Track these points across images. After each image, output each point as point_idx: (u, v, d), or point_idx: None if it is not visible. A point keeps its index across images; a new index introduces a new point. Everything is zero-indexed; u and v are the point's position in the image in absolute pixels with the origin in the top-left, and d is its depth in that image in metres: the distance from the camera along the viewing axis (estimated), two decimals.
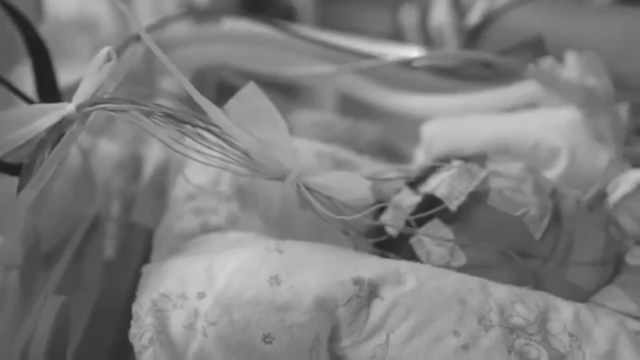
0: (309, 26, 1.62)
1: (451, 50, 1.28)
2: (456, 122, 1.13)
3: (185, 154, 0.79)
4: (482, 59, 1.16)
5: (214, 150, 0.80)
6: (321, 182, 0.81)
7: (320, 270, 0.76)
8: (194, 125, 0.79)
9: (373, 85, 1.23)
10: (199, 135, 0.79)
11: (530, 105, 1.17)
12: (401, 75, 1.25)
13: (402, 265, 0.78)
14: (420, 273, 0.77)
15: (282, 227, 0.95)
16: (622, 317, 0.81)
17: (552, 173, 1.03)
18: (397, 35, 1.75)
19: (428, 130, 1.13)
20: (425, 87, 1.24)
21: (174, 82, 1.41)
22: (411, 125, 1.21)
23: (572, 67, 1.07)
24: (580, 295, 0.87)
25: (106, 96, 0.80)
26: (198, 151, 0.80)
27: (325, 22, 1.98)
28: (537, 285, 0.86)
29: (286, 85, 1.40)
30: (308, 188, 0.81)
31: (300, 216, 0.90)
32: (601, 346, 0.76)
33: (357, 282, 0.75)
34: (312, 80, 1.31)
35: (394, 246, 0.88)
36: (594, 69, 1.07)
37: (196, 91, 0.76)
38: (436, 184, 0.89)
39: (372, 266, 0.77)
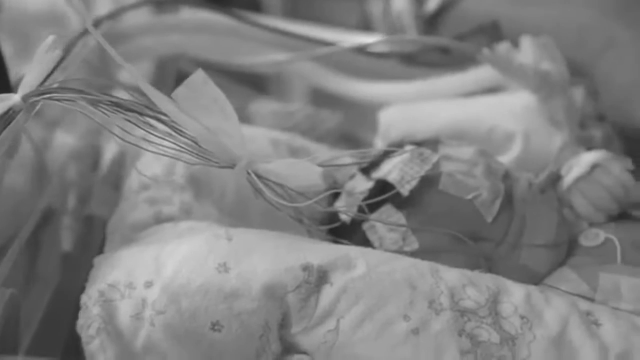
0: (275, 17, 1.61)
1: (407, 36, 1.27)
2: (413, 108, 1.13)
3: (135, 144, 0.78)
4: (438, 45, 1.16)
5: (164, 139, 0.79)
6: (271, 169, 0.81)
7: (268, 257, 0.75)
8: (143, 114, 0.78)
9: (332, 73, 1.23)
10: (148, 124, 0.79)
11: (493, 90, 1.18)
12: (360, 63, 1.25)
13: (353, 250, 0.78)
14: (371, 258, 0.77)
15: (237, 215, 0.95)
16: (573, 299, 0.81)
17: (508, 157, 1.03)
18: (366, 26, 1.75)
19: (385, 117, 1.13)
20: (384, 74, 1.24)
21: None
22: (373, 113, 1.21)
23: (527, 52, 1.07)
24: (533, 277, 0.88)
25: (55, 86, 0.80)
26: (149, 141, 0.79)
27: (294, 14, 1.97)
28: (490, 269, 0.86)
29: (259, 76, 1.39)
30: (258, 175, 0.80)
31: (256, 204, 0.89)
32: (552, 327, 0.76)
33: (306, 268, 0.75)
34: (275, 70, 1.31)
35: (347, 232, 0.88)
36: (549, 53, 1.07)
37: (142, 79, 0.76)
38: (388, 169, 0.89)
39: (321, 252, 0.77)
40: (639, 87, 1.06)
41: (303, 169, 0.82)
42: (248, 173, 0.80)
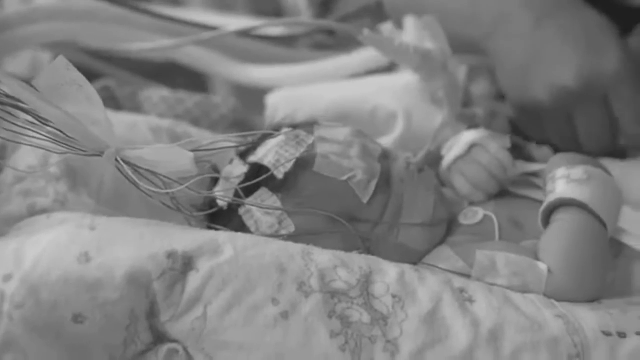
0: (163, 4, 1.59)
1: (289, 19, 1.26)
2: (299, 91, 1.12)
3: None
4: (321, 27, 1.15)
5: (28, 129, 0.77)
6: (141, 155, 0.79)
7: (132, 245, 0.74)
8: (3, 104, 0.76)
9: (221, 59, 1.21)
10: (9, 114, 0.77)
11: (385, 70, 1.17)
12: (247, 47, 1.24)
13: (221, 235, 0.77)
14: (238, 242, 0.76)
15: (116, 205, 0.93)
16: (448, 276, 0.81)
17: (391, 137, 1.03)
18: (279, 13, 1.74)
19: (272, 100, 1.12)
20: (271, 57, 1.23)
21: (17, 63, 1.37)
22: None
23: (410, 32, 1.07)
24: (412, 256, 0.88)
25: None
26: (11, 131, 0.77)
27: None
28: (369, 249, 0.86)
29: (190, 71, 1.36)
30: (128, 163, 0.79)
31: (136, 194, 0.88)
32: (424, 305, 0.76)
33: (171, 255, 0.74)
34: (165, 56, 1.29)
35: (225, 218, 0.87)
36: (432, 33, 1.06)
37: None
38: (264, 153, 0.88)
39: (188, 238, 0.76)
40: (532, 61, 1.06)
41: (174, 155, 0.81)
42: (117, 161, 0.78)
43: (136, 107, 1.25)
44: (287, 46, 1.24)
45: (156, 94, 1.28)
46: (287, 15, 1.59)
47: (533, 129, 1.08)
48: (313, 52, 1.22)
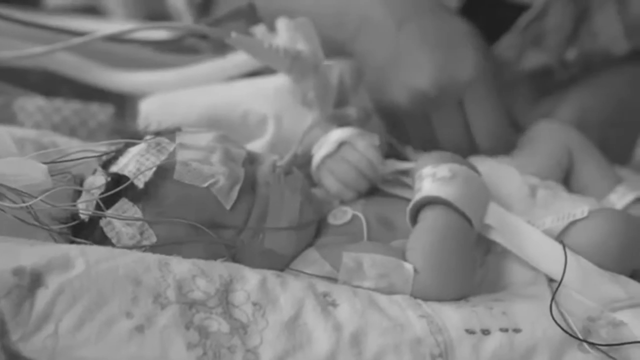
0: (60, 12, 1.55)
1: (158, 24, 1.24)
2: (172, 97, 1.10)
3: None
4: (190, 31, 1.14)
5: None
6: None
7: None
8: None
9: (90, 64, 1.19)
10: None
11: (260, 73, 1.16)
12: (120, 52, 1.21)
13: (73, 249, 0.75)
14: (91, 256, 0.74)
15: None
16: (312, 281, 0.81)
17: (263, 140, 1.02)
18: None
19: (145, 107, 1.10)
20: (146, 62, 1.21)
21: None
22: None
23: (282, 34, 1.06)
24: (280, 261, 0.87)
25: None
26: None
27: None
28: (235, 256, 0.85)
29: None
30: None
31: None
32: (285, 312, 0.75)
33: (17, 272, 0.71)
34: (36, 64, 1.25)
35: (87, 231, 0.85)
36: (305, 34, 1.06)
37: None
38: (125, 162, 0.86)
39: (37, 254, 0.73)
40: (391, 64, 1.07)
41: (26, 168, 0.78)
42: None
43: (9, 118, 1.21)
44: (163, 51, 1.22)
45: (31, 103, 1.24)
46: (170, 19, 1.56)
47: (395, 130, 1.09)
48: (188, 56, 1.20)
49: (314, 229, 0.90)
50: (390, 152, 1.05)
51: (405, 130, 1.09)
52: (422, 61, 1.05)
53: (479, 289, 0.87)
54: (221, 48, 1.14)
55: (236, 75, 1.14)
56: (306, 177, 0.96)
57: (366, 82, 1.10)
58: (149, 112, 1.09)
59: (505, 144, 1.06)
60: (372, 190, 0.96)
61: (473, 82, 1.04)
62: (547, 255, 0.86)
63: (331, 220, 0.92)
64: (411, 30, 1.07)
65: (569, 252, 0.85)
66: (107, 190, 0.84)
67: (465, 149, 1.06)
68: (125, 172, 0.85)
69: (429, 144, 1.06)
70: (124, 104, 1.23)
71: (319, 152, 0.95)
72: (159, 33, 1.29)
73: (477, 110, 1.05)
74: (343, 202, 0.95)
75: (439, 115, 1.06)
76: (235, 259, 0.84)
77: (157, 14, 1.82)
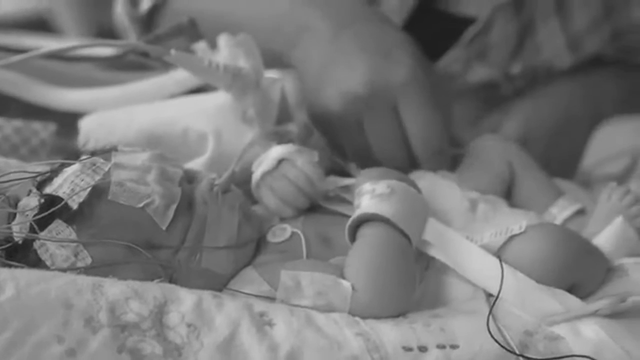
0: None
1: (96, 42, 1.23)
2: (111, 115, 1.09)
3: None
4: (129, 48, 1.13)
5: None
6: None
7: None
8: None
9: (30, 82, 1.17)
10: None
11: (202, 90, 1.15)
12: (61, 70, 1.20)
13: (3, 273, 0.74)
14: (21, 280, 0.73)
15: None
16: (249, 301, 0.80)
17: (203, 158, 1.02)
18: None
19: (85, 125, 1.09)
20: (88, 80, 1.20)
21: None
22: None
23: (223, 50, 1.06)
24: (218, 280, 0.86)
25: None
26: None
27: None
28: (172, 276, 0.84)
29: None
30: None
31: None
32: (220, 333, 0.74)
33: None
34: None
35: (21, 254, 0.84)
36: (246, 50, 1.05)
37: None
38: (60, 183, 0.85)
39: None
40: (326, 69, 1.07)
41: None
42: None
43: None
44: (106, 68, 1.21)
45: None
46: (118, 36, 1.55)
47: (329, 140, 1.08)
48: (133, 72, 1.19)
49: (253, 247, 0.90)
50: (334, 168, 1.05)
51: (338, 139, 1.08)
52: (356, 65, 1.04)
53: (418, 304, 0.87)
54: (167, 64, 1.13)
55: (178, 92, 1.14)
56: (247, 194, 0.95)
57: (305, 91, 1.09)
58: (89, 130, 1.08)
59: (442, 153, 1.05)
60: (313, 207, 0.95)
61: (406, 85, 1.03)
62: (484, 270, 0.86)
63: (270, 237, 0.91)
64: (347, 37, 1.07)
65: (506, 267, 0.85)
66: (40, 211, 0.83)
67: (400, 159, 1.04)
68: (60, 193, 0.84)
69: (362, 155, 1.06)
70: (73, 121, 1.22)
71: (259, 169, 0.95)
72: (104, 50, 1.29)
73: (412, 117, 1.04)
74: (283, 220, 0.94)
75: (373, 122, 1.05)
76: (172, 279, 0.84)
77: (106, 30, 1.81)
